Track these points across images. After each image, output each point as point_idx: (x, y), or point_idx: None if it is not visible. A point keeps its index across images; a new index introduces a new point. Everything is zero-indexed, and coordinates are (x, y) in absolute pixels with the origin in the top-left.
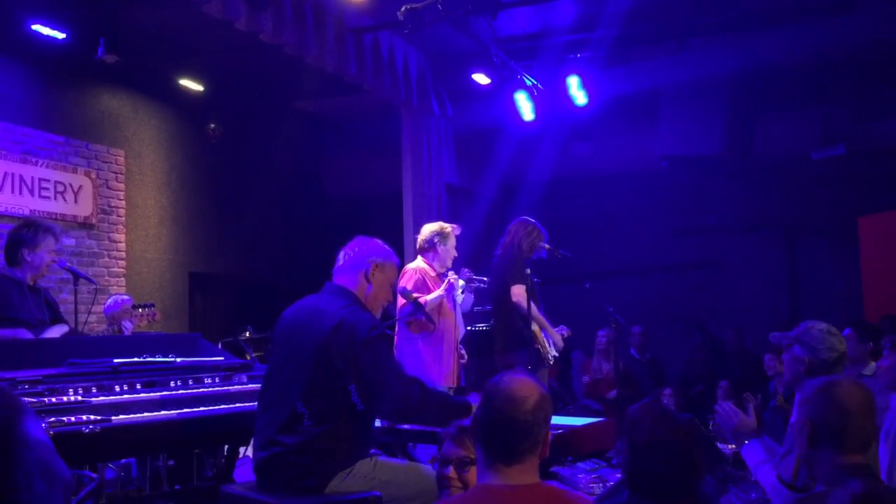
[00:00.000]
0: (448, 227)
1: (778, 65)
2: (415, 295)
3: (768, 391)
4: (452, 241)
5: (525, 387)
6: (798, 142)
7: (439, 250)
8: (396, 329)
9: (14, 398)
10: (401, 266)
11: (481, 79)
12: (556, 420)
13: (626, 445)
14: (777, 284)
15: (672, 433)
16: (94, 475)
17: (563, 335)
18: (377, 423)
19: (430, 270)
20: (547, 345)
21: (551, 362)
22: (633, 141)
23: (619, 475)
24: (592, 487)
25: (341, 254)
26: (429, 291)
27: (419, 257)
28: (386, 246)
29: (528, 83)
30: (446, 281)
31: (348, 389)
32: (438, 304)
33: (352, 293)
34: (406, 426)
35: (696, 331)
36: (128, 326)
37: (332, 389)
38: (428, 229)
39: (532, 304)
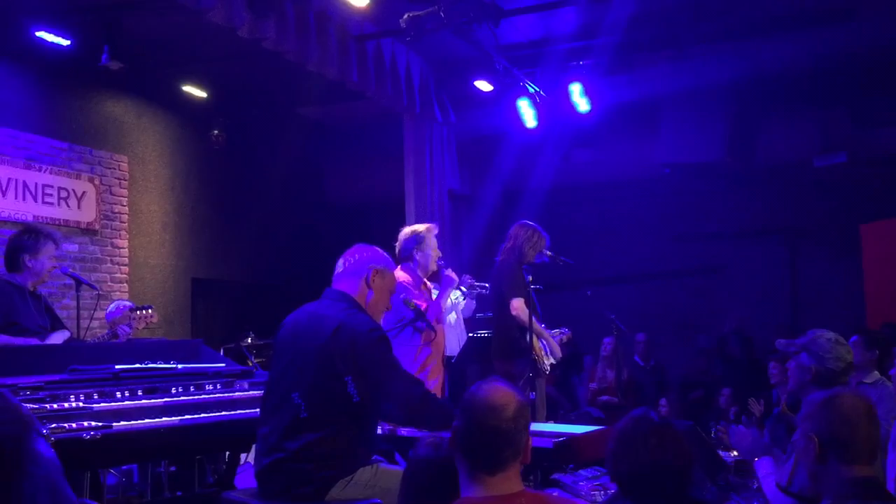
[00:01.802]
0: (422, 228)
1: (779, 71)
2: (415, 302)
3: (771, 399)
4: (431, 242)
5: (504, 395)
6: (799, 148)
7: (417, 257)
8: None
9: (25, 414)
10: None
11: (484, 86)
12: (559, 428)
13: (608, 455)
14: (779, 291)
15: (645, 436)
16: None
17: (563, 337)
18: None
19: (408, 280)
20: (544, 354)
21: (548, 371)
22: (635, 148)
23: None
24: (594, 495)
25: (341, 261)
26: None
27: (398, 268)
28: (385, 254)
29: (531, 90)
30: (443, 278)
31: (344, 381)
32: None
33: (352, 298)
34: (405, 432)
35: (705, 337)
36: (125, 331)
37: (331, 387)
38: (402, 236)
39: (532, 315)
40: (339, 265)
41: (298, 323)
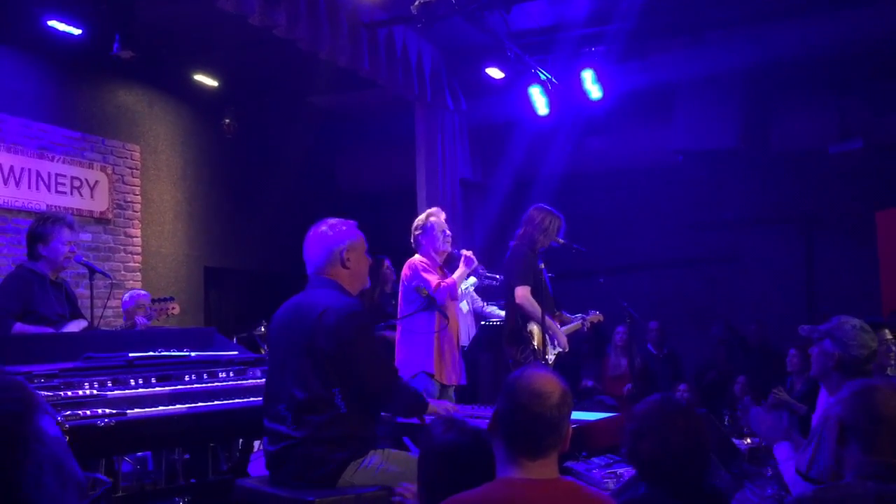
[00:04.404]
0: (422, 217)
1: (795, 57)
2: (427, 289)
3: (785, 386)
4: (438, 226)
5: (548, 382)
6: (815, 135)
7: (423, 242)
8: (401, 326)
9: (29, 393)
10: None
11: (495, 73)
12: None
13: (628, 436)
14: (794, 278)
15: (670, 416)
16: (106, 479)
17: (591, 318)
18: None
19: (425, 262)
20: (547, 344)
21: (550, 363)
22: (648, 135)
23: (633, 470)
24: (607, 482)
25: (309, 251)
26: (427, 280)
27: (416, 254)
28: (340, 224)
29: (543, 77)
30: (463, 258)
31: (332, 392)
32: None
33: (335, 282)
34: (402, 419)
35: (720, 325)
36: (141, 322)
37: (319, 388)
38: (413, 226)
39: (539, 306)
40: (310, 254)
41: (287, 315)
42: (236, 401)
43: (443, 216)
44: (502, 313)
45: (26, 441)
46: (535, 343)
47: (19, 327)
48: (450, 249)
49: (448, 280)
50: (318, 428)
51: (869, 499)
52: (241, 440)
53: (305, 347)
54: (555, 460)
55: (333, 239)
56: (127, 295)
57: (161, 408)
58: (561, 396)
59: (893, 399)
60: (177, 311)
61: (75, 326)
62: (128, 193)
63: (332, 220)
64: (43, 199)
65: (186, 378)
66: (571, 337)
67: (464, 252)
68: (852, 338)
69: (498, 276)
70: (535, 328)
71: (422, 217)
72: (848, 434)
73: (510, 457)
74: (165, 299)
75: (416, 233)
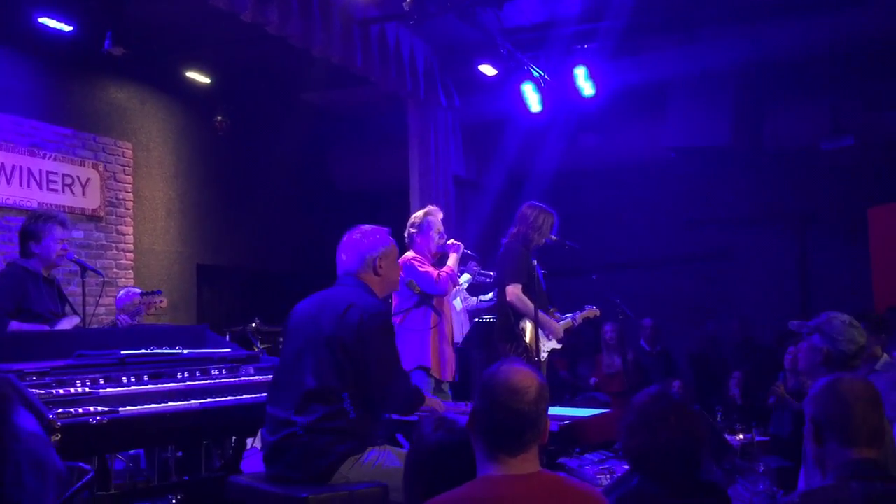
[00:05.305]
0: (419, 215)
1: (787, 55)
2: (438, 272)
3: (776, 382)
4: (435, 225)
5: (524, 377)
6: (807, 132)
7: (417, 240)
8: (396, 324)
9: (3, 390)
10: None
11: (488, 70)
12: (564, 411)
13: (624, 429)
14: (787, 275)
15: (662, 412)
16: (88, 468)
17: (586, 312)
18: None
19: (418, 258)
20: (538, 341)
21: (542, 359)
22: (642, 132)
23: (626, 466)
24: (599, 479)
25: (342, 256)
26: (426, 271)
27: (410, 251)
28: (374, 232)
29: (535, 74)
30: (449, 246)
31: (341, 397)
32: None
33: (364, 283)
34: (395, 416)
35: (713, 322)
36: (124, 321)
37: (333, 381)
38: (409, 223)
39: (533, 303)
40: (343, 259)
41: (310, 308)
42: (229, 398)
43: (440, 215)
44: (489, 296)
45: (4, 441)
46: (527, 340)
47: (15, 325)
48: (443, 250)
49: (446, 268)
50: (323, 418)
51: (856, 500)
52: (233, 437)
53: (326, 339)
54: (535, 454)
55: (367, 246)
56: (122, 291)
57: (153, 405)
58: (538, 391)
59: (856, 384)
60: (164, 304)
61: (68, 323)
62: (120, 191)
63: (366, 228)
64: (34, 197)
65: (179, 376)
66: (564, 334)
67: (448, 242)
68: (840, 332)
69: (491, 273)
70: (527, 325)
71: (419, 214)
72: (823, 431)
73: (490, 454)
74: (153, 293)
75: (412, 230)
